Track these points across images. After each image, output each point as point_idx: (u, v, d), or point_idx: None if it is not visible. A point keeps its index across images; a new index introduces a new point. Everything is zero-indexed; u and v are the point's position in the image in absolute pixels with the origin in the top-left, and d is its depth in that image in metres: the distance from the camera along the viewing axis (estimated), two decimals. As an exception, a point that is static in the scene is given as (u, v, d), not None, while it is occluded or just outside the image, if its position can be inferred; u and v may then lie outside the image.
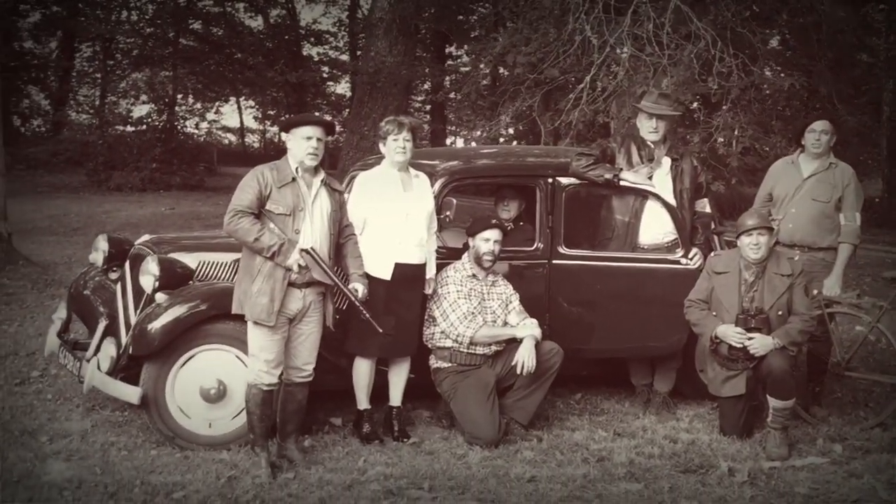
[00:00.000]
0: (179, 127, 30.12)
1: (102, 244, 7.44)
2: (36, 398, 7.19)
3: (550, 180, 7.19)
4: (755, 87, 12.75)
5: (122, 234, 8.60)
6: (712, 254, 7.08)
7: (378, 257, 6.35)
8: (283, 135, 6.05)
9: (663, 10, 10.35)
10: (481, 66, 14.46)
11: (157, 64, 35.24)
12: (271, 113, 44.70)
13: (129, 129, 29.62)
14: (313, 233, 5.90)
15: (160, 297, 6.32)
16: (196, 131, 38.11)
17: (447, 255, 6.95)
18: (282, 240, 5.75)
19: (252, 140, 47.46)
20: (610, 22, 10.77)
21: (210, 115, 42.23)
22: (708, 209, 7.42)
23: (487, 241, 6.73)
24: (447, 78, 34.52)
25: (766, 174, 7.71)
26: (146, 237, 7.22)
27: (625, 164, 7.24)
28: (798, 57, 16.57)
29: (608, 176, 7.08)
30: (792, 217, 7.24)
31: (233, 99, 43.20)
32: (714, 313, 6.78)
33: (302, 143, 5.90)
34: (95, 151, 28.15)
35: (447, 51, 36.55)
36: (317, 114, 34.67)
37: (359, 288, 6.00)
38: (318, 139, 5.91)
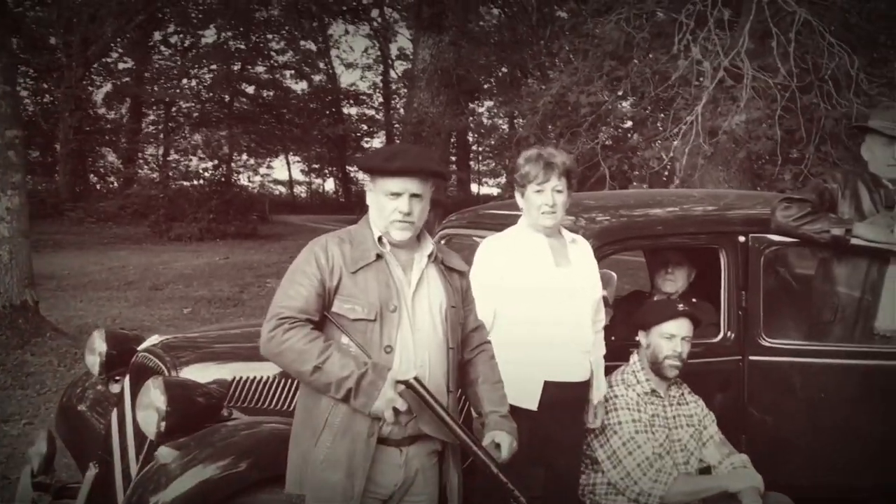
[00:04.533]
0: (234, 180, 27.27)
1: (99, 344, 4.29)
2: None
3: (743, 239, 4.03)
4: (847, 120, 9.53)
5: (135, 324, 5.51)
6: None
7: (518, 375, 3.17)
8: (365, 182, 2.90)
9: (788, 24, 7.22)
10: (539, 105, 11.32)
11: (215, 125, 33.10)
12: (316, 166, 42.53)
13: (189, 183, 26.83)
14: (417, 350, 2.75)
15: (164, 452, 3.16)
16: (250, 184, 35.90)
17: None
18: (362, 367, 2.61)
19: (300, 191, 45.32)
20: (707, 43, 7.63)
21: (262, 170, 40.04)
22: (966, 276, 4.24)
23: (672, 338, 3.58)
24: (470, 132, 32.00)
25: None
26: (156, 339, 4.00)
27: (852, 212, 4.06)
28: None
29: (836, 232, 3.91)
30: None
31: (282, 154, 40.68)
32: None
33: (385, 205, 2.77)
34: (157, 204, 25.45)
35: (471, 106, 34.09)
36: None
37: (503, 443, 2.82)
38: (415, 196, 2.76)
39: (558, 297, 3.27)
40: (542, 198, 3.30)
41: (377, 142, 39.92)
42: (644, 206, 4.43)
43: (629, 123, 14.51)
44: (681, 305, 3.65)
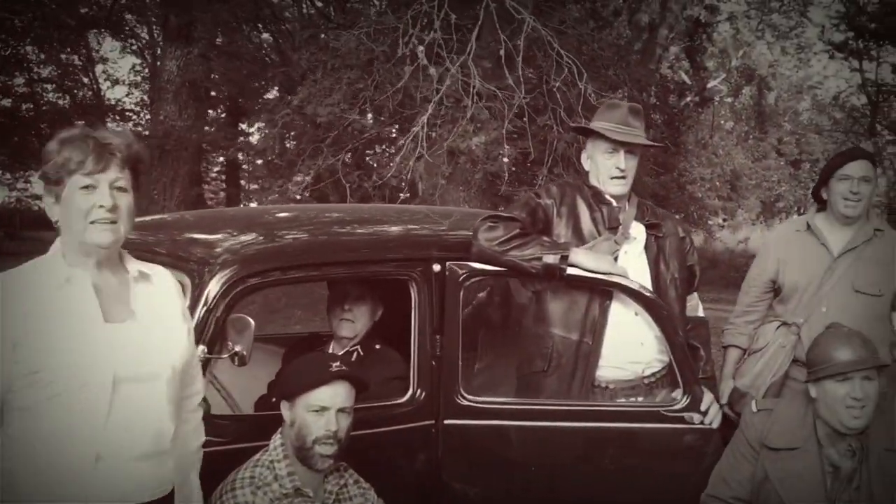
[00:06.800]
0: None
1: None
2: None
3: (438, 267, 2.84)
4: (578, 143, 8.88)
5: None
6: (753, 405, 2.90)
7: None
8: None
9: (514, 32, 6.30)
10: (276, 119, 9.95)
11: (-39, 138, 28.89)
12: (79, 182, 38.48)
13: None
14: None
15: None
16: (6, 198, 31.77)
17: (232, 434, 2.49)
18: None
19: (61, 206, 40.95)
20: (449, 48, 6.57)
21: (21, 184, 35.58)
22: (701, 311, 3.28)
23: (323, 411, 2.31)
24: (240, 153, 30.20)
25: (762, 248, 3.66)
26: None
27: (569, 234, 2.99)
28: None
29: (549, 259, 2.81)
30: (822, 322, 3.18)
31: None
32: (770, 525, 2.64)
33: None
34: None
35: (240, 127, 32.07)
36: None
37: None
38: None
39: (106, 375, 1.88)
40: (95, 197, 1.91)
41: (145, 159, 36.83)
42: (306, 226, 3.13)
43: (387, 144, 13.50)
44: (335, 364, 2.38)
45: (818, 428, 2.63)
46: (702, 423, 2.89)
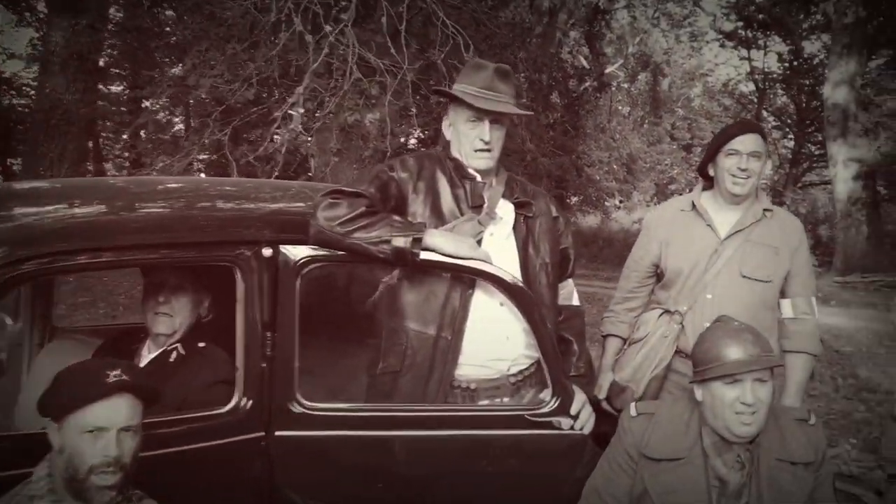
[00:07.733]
0: None
1: None
2: None
3: (268, 251, 2.31)
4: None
5: None
6: (632, 409, 2.47)
7: None
8: None
9: (409, 7, 5.76)
10: (159, 91, 9.20)
11: None
12: (-27, 158, 36.22)
13: None
14: None
15: None
16: None
17: None
18: None
19: (-47, 184, 38.55)
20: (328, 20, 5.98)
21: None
22: (576, 300, 2.84)
23: (100, 433, 1.77)
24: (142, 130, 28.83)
25: (643, 228, 3.24)
26: None
27: (427, 213, 2.50)
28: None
29: (400, 243, 2.31)
30: (707, 310, 2.82)
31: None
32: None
33: None
34: None
35: (144, 105, 30.59)
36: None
37: None
38: None
39: None
40: None
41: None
42: (112, 200, 2.53)
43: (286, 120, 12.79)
44: (114, 374, 1.83)
45: (704, 436, 2.23)
46: (571, 428, 2.46)
